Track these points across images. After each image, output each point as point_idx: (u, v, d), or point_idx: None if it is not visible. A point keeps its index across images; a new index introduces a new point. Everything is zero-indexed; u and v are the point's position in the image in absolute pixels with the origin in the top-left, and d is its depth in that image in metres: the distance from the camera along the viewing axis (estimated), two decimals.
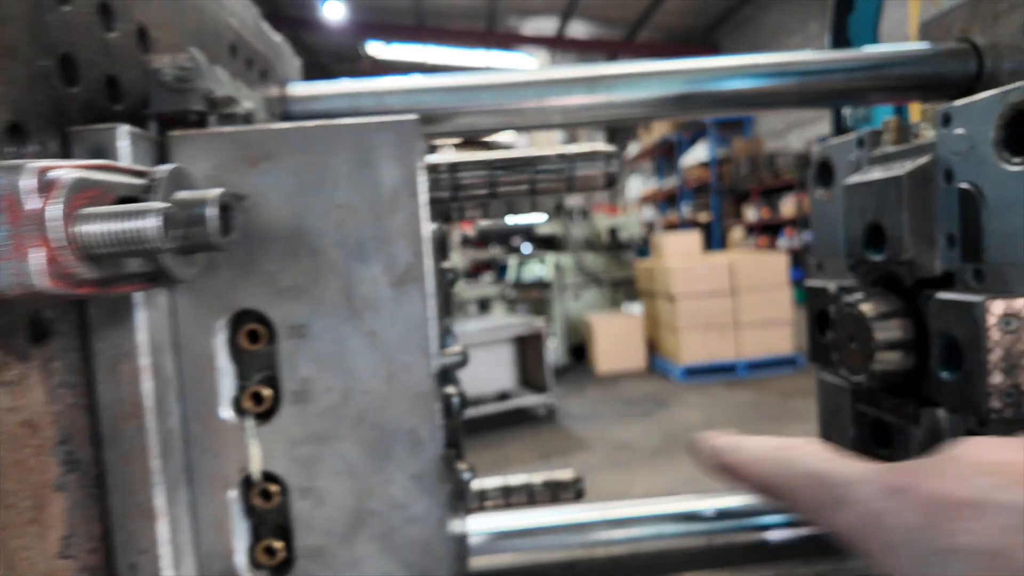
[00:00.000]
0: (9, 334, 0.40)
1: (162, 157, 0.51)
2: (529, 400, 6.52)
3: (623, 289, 9.29)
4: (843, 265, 0.86)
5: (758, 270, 7.32)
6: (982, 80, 1.10)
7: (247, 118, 0.63)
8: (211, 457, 0.53)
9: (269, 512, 0.55)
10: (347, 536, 0.54)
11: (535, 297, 8.73)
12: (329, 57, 14.43)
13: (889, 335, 0.71)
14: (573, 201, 9.80)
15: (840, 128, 1.49)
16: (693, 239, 8.26)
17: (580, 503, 1.21)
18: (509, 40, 13.21)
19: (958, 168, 0.67)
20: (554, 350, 8.02)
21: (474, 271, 10.55)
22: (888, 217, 0.73)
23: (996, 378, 0.61)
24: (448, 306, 0.82)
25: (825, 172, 0.92)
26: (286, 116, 1.05)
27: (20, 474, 0.41)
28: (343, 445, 0.53)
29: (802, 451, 0.47)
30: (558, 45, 13.37)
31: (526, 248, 9.63)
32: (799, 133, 10.14)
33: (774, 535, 1.21)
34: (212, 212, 0.40)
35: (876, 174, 0.76)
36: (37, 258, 0.30)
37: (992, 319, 0.60)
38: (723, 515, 1.20)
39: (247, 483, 0.54)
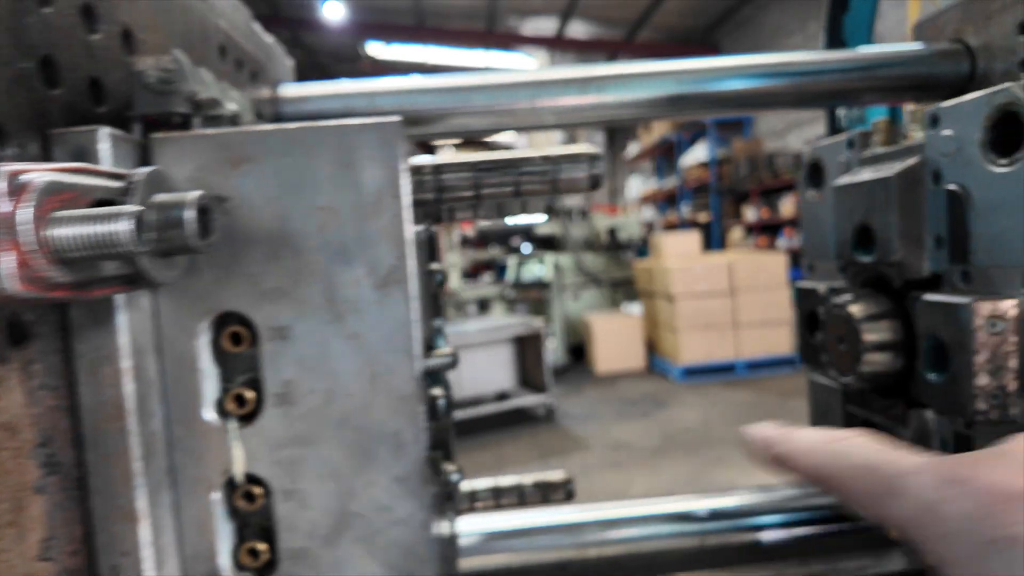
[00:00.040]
0: None
1: (145, 159, 0.51)
2: (528, 400, 6.52)
3: (622, 289, 9.30)
4: (834, 266, 0.86)
5: (757, 270, 7.31)
6: (975, 81, 1.10)
7: (233, 120, 0.63)
8: (194, 459, 0.53)
9: (252, 514, 0.55)
10: (331, 538, 0.54)
11: (534, 297, 8.73)
12: (329, 57, 14.43)
13: (877, 336, 0.71)
14: (572, 201, 9.80)
15: (834, 129, 1.49)
16: (692, 239, 8.26)
17: (575, 504, 1.21)
18: (509, 40, 13.20)
19: (946, 169, 0.67)
20: (553, 350, 8.02)
21: (474, 271, 10.55)
22: (877, 218, 0.73)
23: (982, 380, 0.61)
24: (437, 307, 0.82)
25: (816, 173, 0.92)
26: (278, 117, 1.05)
27: None
28: (326, 447, 0.53)
29: (854, 443, 0.47)
30: (558, 45, 13.37)
31: (526, 248, 9.64)
32: (798, 133, 10.14)
33: (768, 535, 1.21)
34: (190, 215, 0.40)
35: (866, 175, 0.76)
36: (7, 262, 0.30)
37: (978, 321, 0.60)
38: (716, 515, 1.20)
39: (230, 485, 0.54)
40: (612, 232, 9.61)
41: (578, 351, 8.81)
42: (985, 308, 0.60)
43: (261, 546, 0.55)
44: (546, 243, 9.59)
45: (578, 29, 13.02)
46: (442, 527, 0.67)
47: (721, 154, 10.92)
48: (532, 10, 12.09)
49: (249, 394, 0.53)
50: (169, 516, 0.53)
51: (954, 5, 1.13)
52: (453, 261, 7.93)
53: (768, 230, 10.07)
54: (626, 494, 4.66)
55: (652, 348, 8.22)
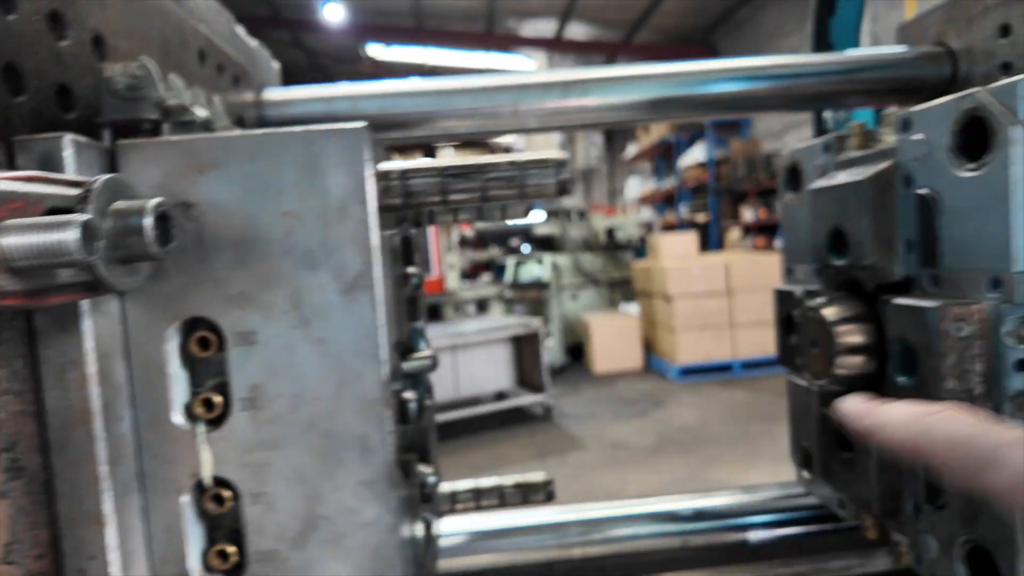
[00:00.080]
0: None
1: (112, 166, 0.51)
2: (526, 400, 6.52)
3: (620, 289, 9.30)
4: (812, 269, 0.86)
5: (754, 270, 7.32)
6: (956, 83, 1.11)
7: (206, 125, 0.63)
8: (163, 463, 0.53)
9: (222, 517, 0.56)
10: (298, 541, 0.54)
11: (533, 297, 8.73)
12: (329, 59, 14.42)
13: (850, 340, 0.72)
14: (570, 202, 9.80)
15: (821, 131, 1.49)
16: (690, 239, 8.26)
17: (563, 504, 1.22)
18: (508, 42, 13.20)
19: (917, 173, 0.68)
20: (551, 350, 8.02)
21: (472, 272, 10.54)
22: (850, 222, 0.73)
23: (949, 383, 0.61)
24: (415, 310, 0.82)
25: (794, 176, 0.92)
26: (262, 120, 1.06)
27: None
28: (293, 451, 0.53)
29: (948, 416, 0.48)
30: (557, 47, 13.36)
31: (525, 249, 9.64)
32: (796, 134, 10.15)
33: (753, 535, 1.21)
34: (148, 222, 0.40)
35: (840, 179, 0.76)
36: None
37: (944, 325, 0.60)
38: (701, 516, 1.21)
39: (199, 488, 0.55)
40: (610, 232, 9.60)
41: (576, 351, 8.81)
42: (951, 312, 0.60)
43: (230, 548, 0.55)
44: (544, 243, 9.59)
45: (577, 31, 13.01)
46: (415, 529, 0.68)
47: (719, 155, 10.92)
48: (531, 12, 12.09)
49: (217, 398, 0.54)
50: (138, 519, 0.53)
51: (936, 8, 1.13)
52: (452, 261, 7.92)
53: (766, 230, 10.08)
54: (623, 493, 4.67)
55: (650, 348, 8.23)
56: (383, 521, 0.55)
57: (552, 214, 9.66)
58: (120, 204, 0.40)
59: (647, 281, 8.12)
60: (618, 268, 9.47)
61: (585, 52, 14.02)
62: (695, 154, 11.44)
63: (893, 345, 0.68)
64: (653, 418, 6.32)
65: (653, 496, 1.23)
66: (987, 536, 0.63)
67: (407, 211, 0.58)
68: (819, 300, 0.75)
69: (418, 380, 0.87)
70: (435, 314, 8.12)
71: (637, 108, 1.11)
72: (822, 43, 1.45)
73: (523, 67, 13.13)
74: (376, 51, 12.50)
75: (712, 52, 12.68)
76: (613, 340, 8.11)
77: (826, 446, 0.85)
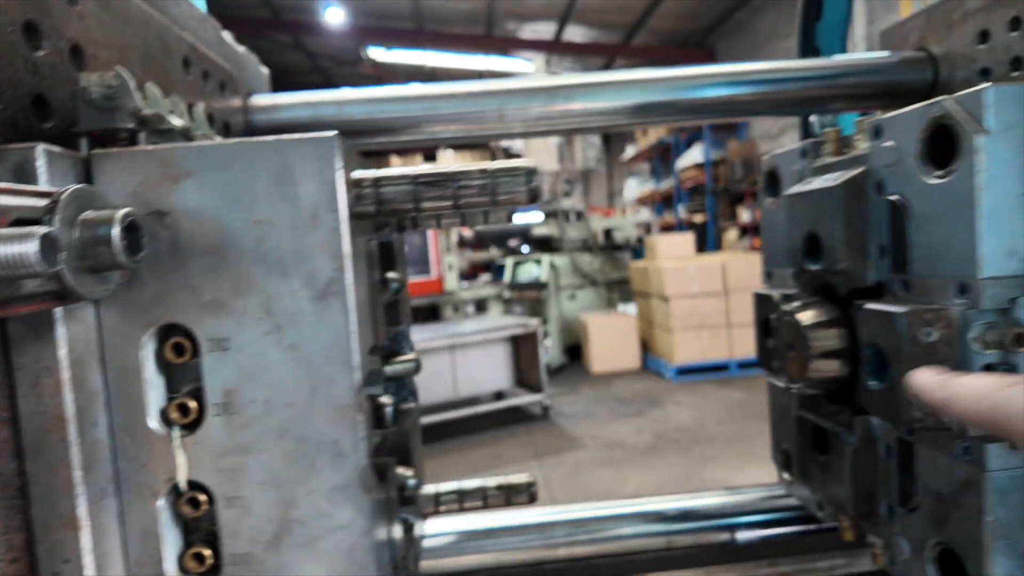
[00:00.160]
0: None
1: (87, 175, 0.52)
2: (524, 399, 6.53)
3: (618, 289, 9.31)
4: (789, 273, 0.87)
5: (750, 271, 7.33)
6: (937, 88, 1.12)
7: (185, 133, 0.64)
8: (138, 467, 0.54)
9: (197, 520, 0.56)
10: (273, 543, 0.55)
11: (531, 298, 8.74)
12: (330, 61, 14.43)
13: (824, 344, 0.72)
14: (569, 203, 9.81)
15: (808, 135, 1.50)
16: (687, 240, 8.27)
17: (557, 504, 1.23)
18: (507, 44, 13.21)
19: (888, 180, 0.68)
20: (549, 350, 8.03)
21: (471, 272, 10.56)
22: (824, 227, 0.74)
23: None
24: (397, 314, 0.83)
25: (773, 181, 0.93)
26: (249, 126, 1.07)
27: None
28: (267, 456, 0.54)
29: (1020, 387, 0.48)
30: (555, 49, 13.38)
31: (525, 249, 9.66)
32: (792, 136, 10.16)
33: (740, 536, 1.22)
34: (116, 232, 0.41)
35: (815, 184, 0.77)
36: None
37: (913, 330, 0.61)
38: (688, 516, 1.22)
39: (175, 492, 0.55)
40: (608, 233, 9.62)
41: (574, 351, 8.83)
42: (919, 317, 0.61)
43: (206, 551, 0.56)
44: (543, 244, 9.60)
45: (575, 33, 13.02)
46: (392, 531, 0.68)
47: (716, 156, 10.94)
48: (530, 15, 12.10)
49: (192, 403, 0.54)
50: (114, 523, 0.54)
51: (918, 13, 1.14)
52: (450, 262, 7.94)
53: None
54: (619, 492, 4.68)
55: (647, 348, 8.24)
56: (356, 524, 0.56)
57: (550, 215, 9.68)
58: (89, 214, 0.41)
59: (644, 281, 8.13)
60: (616, 268, 9.49)
61: (584, 54, 14.03)
62: (693, 155, 11.45)
63: (864, 350, 0.69)
64: (650, 417, 6.33)
65: (649, 495, 1.24)
66: (955, 539, 0.64)
67: (381, 218, 0.58)
68: (794, 304, 0.76)
69: (402, 383, 0.88)
70: (434, 314, 8.13)
71: (622, 113, 1.12)
72: (808, 48, 1.46)
73: (522, 69, 13.12)
74: (377, 54, 12.52)
75: (709, 54, 12.69)
76: (611, 340, 8.12)
77: (803, 448, 0.86)
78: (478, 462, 5.52)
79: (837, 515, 0.86)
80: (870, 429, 0.74)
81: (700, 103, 1.13)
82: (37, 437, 0.49)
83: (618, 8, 11.47)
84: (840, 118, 1.42)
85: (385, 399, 0.64)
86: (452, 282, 7.94)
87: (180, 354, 0.54)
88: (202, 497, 0.55)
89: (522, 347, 6.68)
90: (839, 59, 1.21)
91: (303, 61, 14.43)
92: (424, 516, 1.00)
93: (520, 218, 9.45)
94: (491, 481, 0.97)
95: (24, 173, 0.47)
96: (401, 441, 0.88)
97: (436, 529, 1.10)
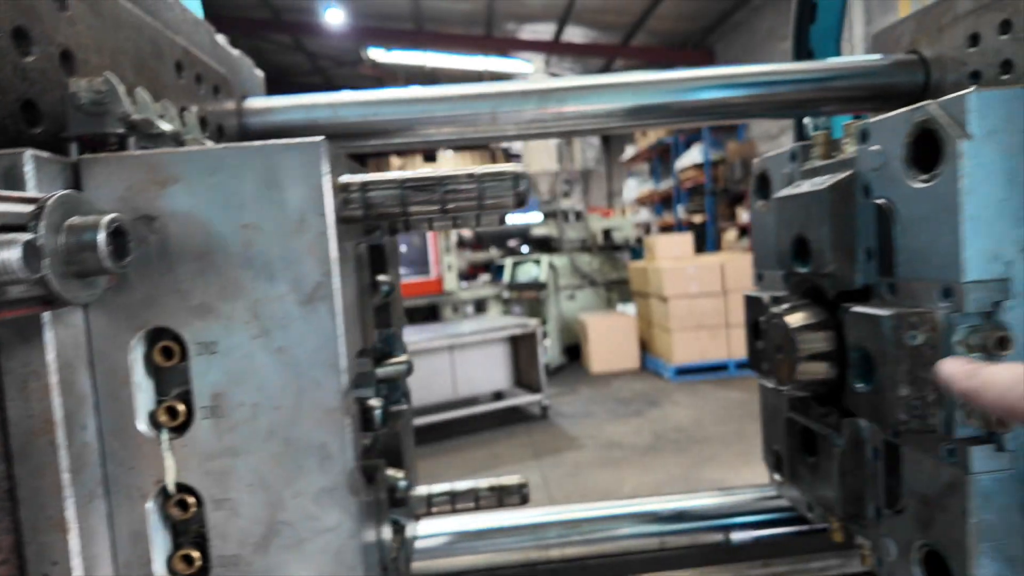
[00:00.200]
0: None
1: (76, 180, 0.52)
2: (523, 399, 6.54)
3: (617, 290, 9.32)
4: (779, 276, 0.87)
5: (749, 271, 7.29)
6: (929, 91, 1.12)
7: (175, 138, 0.64)
8: (127, 470, 0.55)
9: (186, 522, 0.57)
10: (261, 546, 0.56)
11: (530, 298, 8.75)
12: (330, 61, 14.44)
13: (811, 346, 0.73)
14: (568, 203, 9.82)
15: (801, 137, 1.50)
16: (685, 240, 8.28)
17: (551, 505, 1.23)
18: (507, 45, 13.22)
19: (874, 184, 0.69)
20: (548, 350, 8.04)
21: (471, 272, 10.56)
22: (812, 230, 0.74)
23: (903, 390, 0.62)
24: (388, 317, 0.84)
25: (764, 184, 0.93)
26: (243, 129, 1.07)
27: None
28: (255, 459, 0.55)
29: None
30: (555, 50, 13.39)
31: (524, 249, 9.67)
32: (791, 136, 10.18)
33: (733, 536, 1.22)
34: (102, 237, 0.41)
35: (803, 188, 0.77)
36: None
37: (898, 333, 0.62)
38: (682, 516, 1.22)
39: (164, 494, 0.56)
40: (607, 233, 9.63)
41: (573, 351, 8.84)
42: (904, 321, 0.61)
43: (195, 553, 0.56)
44: (542, 244, 9.61)
45: (575, 34, 13.03)
46: (381, 532, 0.69)
47: (716, 156, 10.94)
48: (529, 16, 12.11)
49: (181, 406, 0.55)
50: (103, 525, 0.54)
51: (909, 16, 1.14)
52: (450, 262, 7.95)
53: None
54: (618, 492, 4.68)
55: (646, 348, 8.25)
56: (344, 526, 0.56)
57: (549, 215, 9.69)
58: (75, 220, 0.42)
59: (643, 282, 8.14)
60: (615, 269, 9.49)
61: (583, 55, 14.04)
62: (692, 156, 11.46)
63: (851, 352, 0.69)
64: (649, 417, 6.34)
65: (647, 495, 1.25)
66: (940, 540, 0.64)
67: (370, 222, 0.59)
68: (783, 307, 0.77)
69: (395, 385, 0.88)
70: (433, 315, 8.14)
71: (616, 116, 1.12)
72: (803, 50, 1.46)
73: (522, 70, 13.13)
74: (377, 54, 12.54)
75: (709, 55, 12.70)
76: (610, 340, 8.13)
77: (793, 449, 0.86)
78: (477, 462, 5.53)
79: (826, 516, 0.86)
80: (858, 431, 0.75)
81: (693, 106, 1.14)
82: (25, 440, 0.49)
83: (617, 9, 11.47)
84: (834, 120, 1.43)
85: (374, 402, 0.64)
86: (451, 282, 7.95)
87: (169, 357, 0.55)
88: (191, 499, 0.56)
89: (521, 347, 6.69)
90: (832, 62, 1.21)
91: (303, 62, 14.44)
92: (416, 517, 1.00)
93: (519, 218, 9.47)
94: (483, 483, 0.98)
95: (12, 178, 0.47)
96: (393, 443, 0.88)
97: (429, 530, 1.11)
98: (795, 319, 0.75)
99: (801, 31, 1.45)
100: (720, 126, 11.07)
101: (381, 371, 0.80)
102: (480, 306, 8.80)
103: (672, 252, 7.96)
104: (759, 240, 0.94)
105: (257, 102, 1.09)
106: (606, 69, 14.94)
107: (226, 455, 0.55)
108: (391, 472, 0.79)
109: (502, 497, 0.96)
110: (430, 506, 0.95)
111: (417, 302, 7.90)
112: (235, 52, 1.11)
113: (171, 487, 0.55)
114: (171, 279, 0.53)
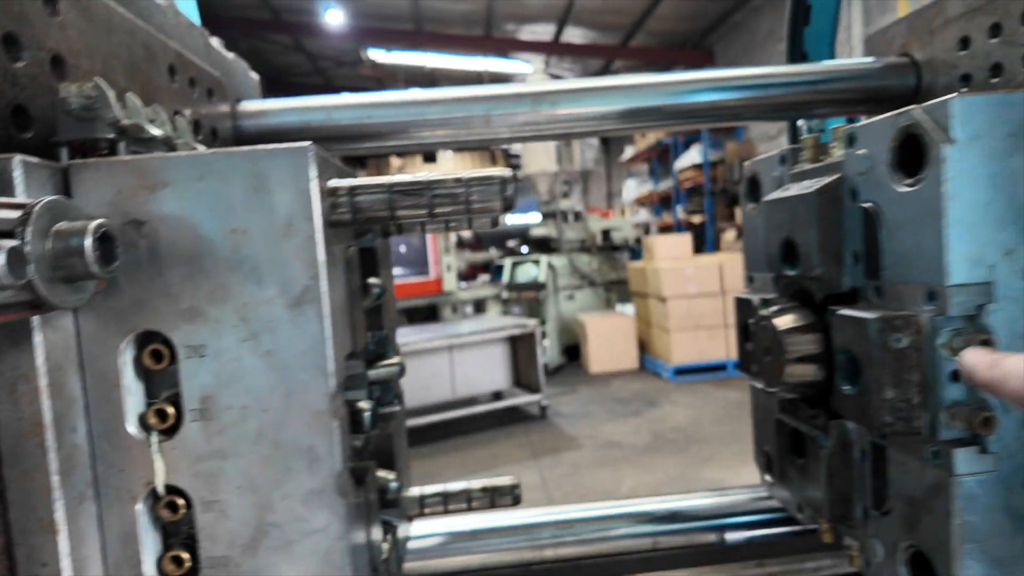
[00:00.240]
0: None
1: (66, 185, 0.53)
2: (522, 400, 6.55)
3: (616, 290, 9.33)
4: (769, 278, 0.88)
5: None
6: (920, 94, 1.13)
7: (166, 142, 0.65)
8: (117, 472, 0.55)
9: (176, 524, 0.57)
10: (250, 547, 0.56)
11: (530, 298, 8.75)
12: (330, 62, 14.46)
13: (799, 349, 0.73)
14: (568, 204, 9.83)
15: (796, 140, 1.51)
16: (684, 241, 8.29)
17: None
18: (506, 46, 13.23)
19: (861, 187, 0.69)
20: (547, 350, 8.05)
21: (470, 273, 10.57)
22: (799, 233, 0.75)
23: (888, 393, 0.63)
24: (379, 319, 0.84)
25: (754, 187, 0.94)
26: (237, 131, 1.08)
27: None
28: (244, 461, 0.55)
29: None
30: (555, 51, 13.40)
31: (524, 250, 9.68)
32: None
33: (727, 537, 1.23)
34: (89, 243, 0.42)
35: (792, 191, 0.78)
36: None
37: (883, 336, 0.62)
38: (676, 517, 1.23)
39: (154, 496, 0.56)
40: (606, 234, 9.63)
41: (572, 351, 8.84)
42: (889, 324, 0.62)
43: (184, 555, 0.57)
44: (541, 245, 9.62)
45: (574, 35, 13.04)
46: (371, 533, 0.69)
47: (715, 157, 10.95)
48: (529, 17, 12.12)
49: (170, 409, 0.55)
50: (93, 527, 0.55)
51: (901, 19, 1.15)
52: (449, 263, 7.96)
53: None
54: (616, 492, 4.69)
55: (645, 348, 8.26)
56: (332, 528, 0.56)
57: (549, 216, 9.69)
58: (62, 225, 0.42)
59: (642, 282, 8.14)
60: (614, 269, 9.50)
61: (582, 56, 14.04)
62: (691, 156, 11.46)
63: (838, 355, 0.70)
64: (647, 417, 6.34)
65: (645, 496, 1.25)
66: (926, 541, 0.65)
67: (358, 226, 0.59)
68: (771, 309, 0.77)
69: (387, 387, 0.89)
70: (433, 315, 8.14)
71: (609, 119, 1.13)
72: (797, 53, 1.47)
73: (521, 71, 13.13)
74: (376, 55, 12.55)
75: (708, 56, 12.70)
76: (609, 340, 8.13)
77: (783, 451, 0.87)
78: (476, 462, 5.53)
79: (816, 517, 0.86)
80: (845, 433, 0.75)
81: (686, 108, 1.14)
82: (15, 443, 0.50)
83: (616, 10, 11.48)
84: (828, 123, 1.43)
85: (364, 404, 0.65)
86: (451, 283, 7.96)
87: (158, 360, 0.55)
88: (180, 501, 0.56)
89: (520, 347, 6.69)
90: (824, 64, 1.22)
91: (303, 62, 14.44)
92: (409, 518, 1.01)
93: (518, 219, 9.47)
94: (475, 483, 0.98)
95: (1, 184, 0.47)
96: (385, 444, 0.89)
97: (423, 530, 1.11)
98: (783, 321, 0.75)
99: (795, 33, 1.46)
100: (719, 127, 11.08)
101: (373, 373, 0.81)
102: (479, 306, 8.81)
103: (671, 252, 7.96)
104: (750, 243, 0.94)
105: (252, 105, 1.10)
106: (605, 70, 14.94)
107: (215, 457, 0.55)
108: (382, 473, 0.79)
109: (494, 498, 0.96)
110: (423, 507, 0.96)
111: (416, 302, 7.91)
112: (230, 55, 1.11)
113: (161, 489, 0.55)
114: (160, 283, 0.54)
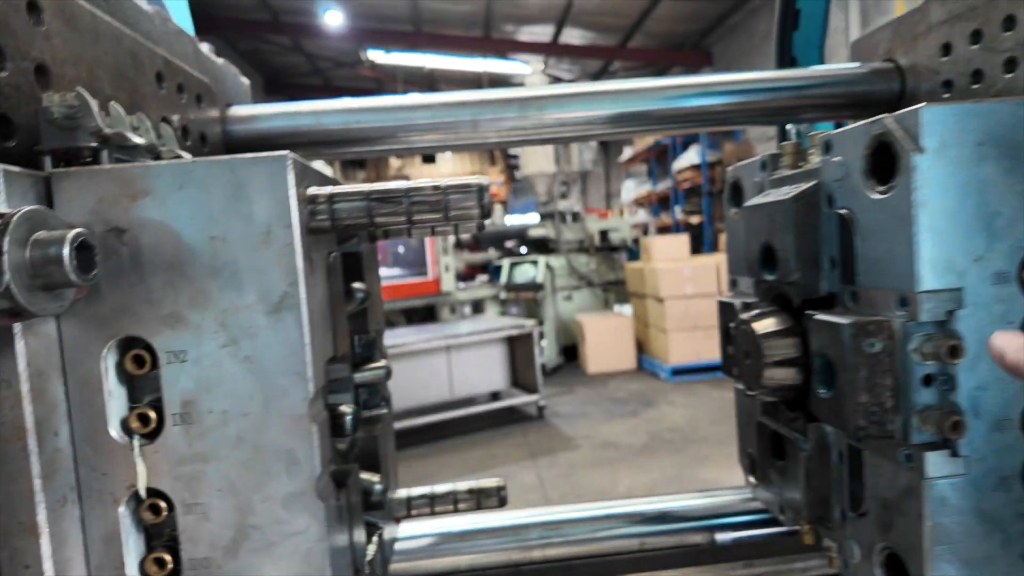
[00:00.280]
0: None
1: (48, 194, 0.54)
2: (520, 400, 6.56)
3: (614, 290, 9.35)
4: (752, 282, 0.89)
5: None
6: (905, 99, 1.14)
7: (151, 149, 0.66)
8: (100, 475, 0.56)
9: (158, 526, 0.58)
10: (231, 549, 0.57)
11: (528, 299, 8.77)
12: (329, 63, 14.48)
13: (777, 353, 0.74)
14: (566, 204, 9.84)
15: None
16: (681, 241, 8.30)
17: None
18: (505, 47, 13.25)
19: (837, 194, 0.70)
20: (545, 351, 8.06)
21: (468, 273, 10.58)
22: (777, 239, 0.76)
23: (862, 397, 0.64)
24: (364, 324, 0.85)
25: (737, 192, 0.95)
26: (226, 136, 1.09)
27: None
28: (224, 464, 0.56)
29: None
30: (553, 52, 13.42)
31: (523, 250, 9.70)
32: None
33: (717, 537, 1.24)
34: (67, 252, 0.43)
35: (771, 197, 0.79)
36: None
37: (856, 340, 0.63)
38: (665, 518, 1.24)
39: (137, 499, 0.57)
40: (604, 234, 9.64)
41: (570, 351, 8.86)
42: (863, 329, 0.63)
43: (167, 556, 0.58)
44: (539, 245, 9.63)
45: (573, 36, 13.06)
46: (354, 535, 0.70)
47: (713, 157, 10.97)
48: (528, 18, 12.14)
49: (152, 413, 0.56)
50: (76, 529, 0.56)
51: (886, 25, 1.16)
52: (447, 263, 7.98)
53: None
54: (613, 492, 4.70)
55: (642, 348, 8.27)
56: (312, 530, 0.57)
57: (547, 216, 9.71)
58: (40, 235, 0.43)
59: (640, 283, 8.16)
60: (612, 270, 9.52)
61: (581, 57, 14.06)
62: (689, 157, 11.48)
63: (815, 359, 0.71)
64: (644, 418, 6.35)
65: (643, 496, 1.26)
66: (899, 543, 0.66)
67: (338, 233, 0.60)
68: (751, 314, 0.78)
69: (374, 390, 0.90)
70: (431, 315, 8.15)
71: (595, 124, 1.14)
72: (785, 57, 1.48)
73: (520, 72, 13.15)
74: (376, 56, 12.56)
75: (706, 57, 12.73)
76: (606, 341, 8.15)
77: (764, 453, 0.88)
78: (473, 462, 5.54)
79: (797, 519, 0.87)
80: (823, 436, 0.76)
81: (674, 113, 1.15)
82: None
83: (615, 11, 11.50)
84: (817, 127, 1.44)
85: (345, 408, 0.66)
86: (449, 283, 7.97)
87: (140, 366, 0.56)
88: (162, 504, 0.57)
89: (518, 348, 6.70)
90: (811, 70, 1.23)
91: (302, 63, 14.46)
92: (397, 520, 1.02)
93: (517, 219, 9.47)
94: (462, 485, 0.99)
95: None
96: (370, 446, 0.90)
97: (411, 532, 1.12)
98: (762, 326, 0.76)
99: (784, 38, 1.47)
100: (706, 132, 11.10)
101: (359, 376, 0.82)
102: (477, 307, 8.82)
103: (668, 253, 7.97)
104: (733, 247, 0.95)
105: (241, 110, 1.11)
106: (604, 71, 14.96)
107: (196, 461, 0.56)
108: (367, 476, 0.80)
109: (481, 499, 0.97)
110: (409, 509, 0.97)
111: (414, 303, 7.92)
112: (220, 60, 1.12)
113: (143, 492, 0.56)
114: (142, 289, 0.54)
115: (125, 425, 0.57)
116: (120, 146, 0.60)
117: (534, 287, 8.65)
